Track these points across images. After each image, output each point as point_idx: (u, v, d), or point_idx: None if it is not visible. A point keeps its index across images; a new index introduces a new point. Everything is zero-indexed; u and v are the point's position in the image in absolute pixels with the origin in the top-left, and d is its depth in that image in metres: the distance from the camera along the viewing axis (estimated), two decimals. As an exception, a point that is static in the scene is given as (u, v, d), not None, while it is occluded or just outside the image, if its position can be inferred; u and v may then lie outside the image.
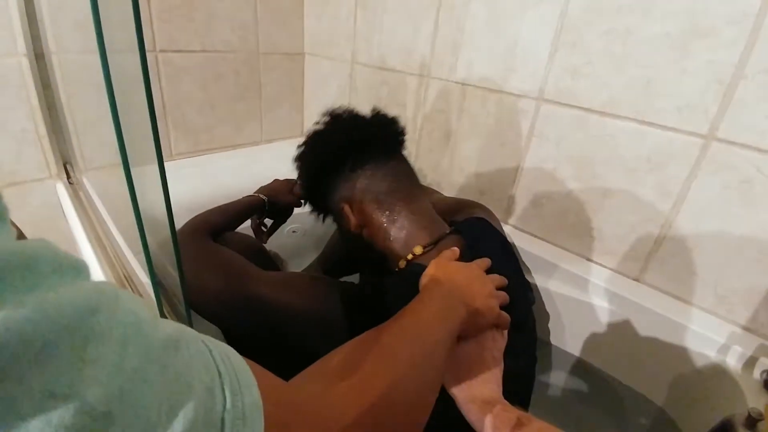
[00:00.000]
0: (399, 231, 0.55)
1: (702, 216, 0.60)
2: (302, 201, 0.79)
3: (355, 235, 0.58)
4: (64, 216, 0.78)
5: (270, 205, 0.75)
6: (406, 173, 0.59)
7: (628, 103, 0.64)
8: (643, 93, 0.62)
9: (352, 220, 0.57)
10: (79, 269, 0.16)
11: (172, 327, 0.18)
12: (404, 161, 0.61)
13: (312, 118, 1.24)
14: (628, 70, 0.62)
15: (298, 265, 0.87)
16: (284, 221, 0.79)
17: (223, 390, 0.18)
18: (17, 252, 0.13)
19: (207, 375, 0.18)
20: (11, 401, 0.11)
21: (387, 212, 0.56)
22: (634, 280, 0.69)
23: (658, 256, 0.66)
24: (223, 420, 0.17)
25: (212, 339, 0.21)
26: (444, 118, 0.89)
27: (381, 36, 0.96)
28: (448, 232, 0.56)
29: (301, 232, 0.99)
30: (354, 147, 0.57)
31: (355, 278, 0.80)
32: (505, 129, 0.79)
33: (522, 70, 0.74)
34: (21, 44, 0.75)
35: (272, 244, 0.81)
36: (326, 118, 0.62)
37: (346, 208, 0.57)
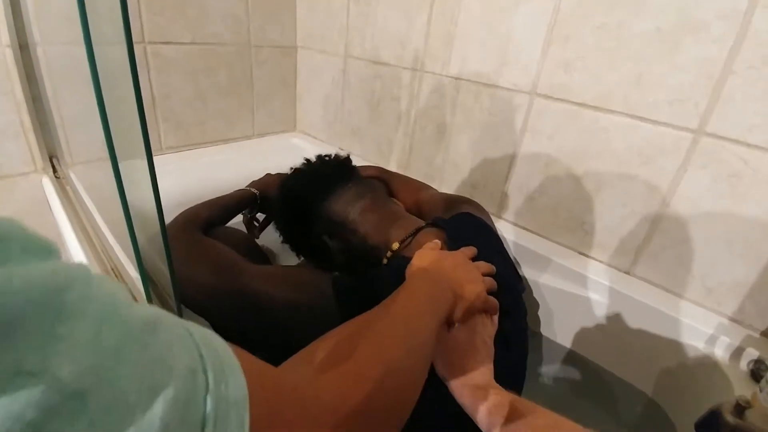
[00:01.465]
0: (376, 237, 0.59)
1: (691, 210, 0.61)
2: None
3: (341, 257, 0.62)
4: (51, 211, 0.76)
5: (262, 199, 0.74)
6: (366, 189, 0.65)
7: (620, 97, 0.64)
8: (634, 87, 0.62)
9: (334, 247, 0.62)
10: (50, 250, 0.15)
11: (150, 310, 0.18)
12: (362, 181, 0.67)
13: (305, 112, 1.23)
14: (620, 65, 0.63)
15: (289, 259, 0.86)
16: (275, 217, 0.79)
17: (205, 372, 0.17)
18: None
19: (188, 357, 0.17)
20: None
21: (360, 227, 0.60)
22: (625, 273, 0.70)
23: (649, 249, 0.66)
24: (205, 401, 0.17)
25: (193, 324, 0.20)
26: (437, 113, 0.89)
27: (374, 29, 0.95)
28: (423, 225, 0.58)
29: (294, 226, 0.98)
30: (313, 188, 0.64)
31: (348, 273, 0.80)
32: (498, 124, 0.80)
33: (515, 64, 0.75)
34: (4, 34, 0.73)
35: (264, 239, 0.80)
36: (285, 179, 0.70)
37: (326, 238, 0.62)
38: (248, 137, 1.15)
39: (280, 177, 0.78)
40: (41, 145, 0.82)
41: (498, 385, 0.39)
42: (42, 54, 0.78)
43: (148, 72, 0.91)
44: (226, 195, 0.70)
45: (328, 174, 0.66)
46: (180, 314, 0.45)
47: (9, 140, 0.79)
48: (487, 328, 0.45)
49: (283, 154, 1.16)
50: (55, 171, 0.84)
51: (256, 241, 0.76)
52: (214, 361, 0.18)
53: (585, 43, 0.65)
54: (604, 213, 0.70)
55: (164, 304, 0.50)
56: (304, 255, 0.72)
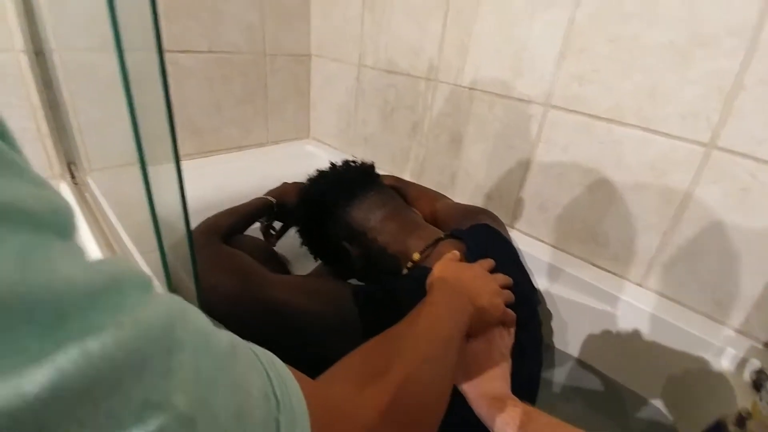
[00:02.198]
0: (395, 246, 0.60)
1: (703, 223, 0.62)
2: None
3: (359, 265, 0.63)
4: (70, 216, 0.77)
5: (278, 207, 0.75)
6: (387, 197, 0.65)
7: (633, 110, 0.65)
8: (647, 100, 0.63)
9: (354, 253, 0.62)
10: (148, 283, 0.17)
11: (226, 334, 0.19)
12: (382, 188, 0.67)
13: (318, 120, 1.25)
14: (633, 78, 0.64)
15: (305, 266, 0.87)
16: (293, 224, 0.80)
17: (275, 394, 0.19)
18: (106, 273, 0.14)
19: (260, 380, 0.19)
20: (114, 414, 0.12)
21: (380, 235, 0.61)
22: (637, 284, 0.70)
23: (661, 261, 0.67)
24: (278, 422, 0.18)
25: (254, 345, 0.22)
26: (451, 122, 0.90)
27: (388, 38, 0.97)
28: (442, 236, 0.59)
29: (307, 233, 0.99)
30: (335, 194, 0.64)
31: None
32: (512, 134, 0.80)
33: (529, 75, 0.76)
34: (18, 40, 0.73)
35: (280, 246, 0.81)
36: (307, 182, 0.70)
37: (345, 245, 0.63)
38: (262, 144, 1.16)
39: (297, 186, 0.79)
40: (59, 151, 0.83)
41: (515, 396, 0.39)
42: (58, 60, 0.79)
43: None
44: (245, 204, 0.71)
45: (351, 179, 0.66)
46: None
47: (25, 146, 0.78)
48: (505, 340, 0.46)
49: (296, 161, 1.17)
50: (72, 177, 0.85)
51: (274, 249, 0.77)
52: (279, 382, 0.20)
53: (599, 55, 0.66)
54: (618, 225, 0.70)
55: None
56: (323, 259, 0.72)
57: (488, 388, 0.40)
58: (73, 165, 0.86)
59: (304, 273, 0.84)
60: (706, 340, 0.61)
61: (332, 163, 0.71)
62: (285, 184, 0.79)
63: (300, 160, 1.17)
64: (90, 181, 0.83)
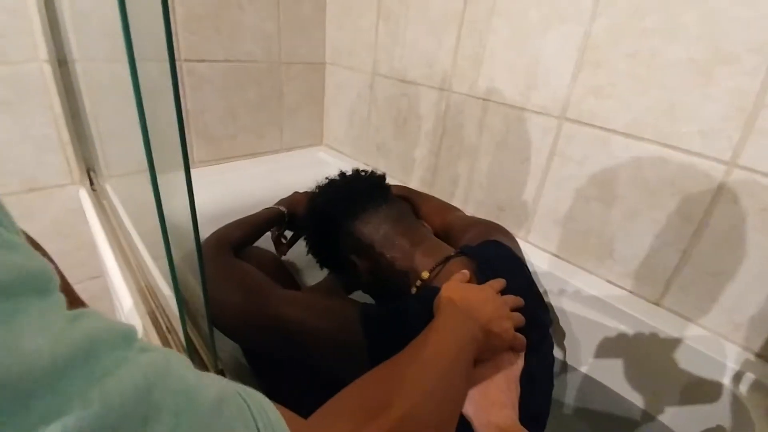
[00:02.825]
0: (404, 263, 0.59)
1: (723, 243, 0.60)
2: None
3: (367, 279, 0.63)
4: (87, 222, 0.79)
5: (290, 217, 0.76)
6: (398, 211, 0.64)
7: (651, 125, 0.63)
8: (666, 116, 0.61)
9: (361, 266, 0.61)
10: (129, 339, 0.16)
11: (214, 386, 0.19)
12: (394, 202, 0.66)
13: (331, 127, 1.25)
14: (652, 93, 0.62)
15: (315, 276, 0.87)
16: (304, 233, 0.80)
17: None
18: (78, 341, 0.14)
19: None
20: None
21: (390, 250, 0.60)
22: (654, 303, 0.68)
23: (679, 280, 0.65)
24: None
25: (246, 389, 0.21)
26: (464, 133, 0.89)
27: (402, 48, 0.96)
28: (453, 254, 0.57)
29: (318, 241, 0.99)
30: (344, 206, 0.63)
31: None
32: (526, 146, 0.79)
33: (544, 88, 0.74)
34: (42, 50, 0.76)
35: (290, 255, 0.81)
36: (316, 190, 0.70)
37: (355, 259, 0.62)
38: (276, 151, 1.17)
39: (308, 195, 0.79)
40: (78, 158, 0.86)
41: (522, 428, 0.38)
42: (80, 70, 0.81)
43: (183, 88, 0.94)
44: (256, 214, 0.72)
45: (361, 191, 0.65)
46: (212, 335, 0.46)
47: (47, 153, 0.82)
48: (514, 365, 0.44)
49: (309, 167, 1.18)
50: (91, 183, 0.87)
51: (284, 261, 0.77)
52: None
53: (616, 69, 0.65)
54: (635, 242, 0.68)
55: (196, 326, 0.51)
56: (330, 270, 0.72)
57: (495, 417, 0.39)
58: (92, 172, 0.88)
59: (314, 282, 0.84)
60: (723, 363, 0.59)
61: (342, 172, 0.70)
62: (296, 193, 0.79)
63: (312, 168, 1.18)
64: (108, 187, 0.85)
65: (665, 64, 0.60)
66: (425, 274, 0.55)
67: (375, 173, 0.71)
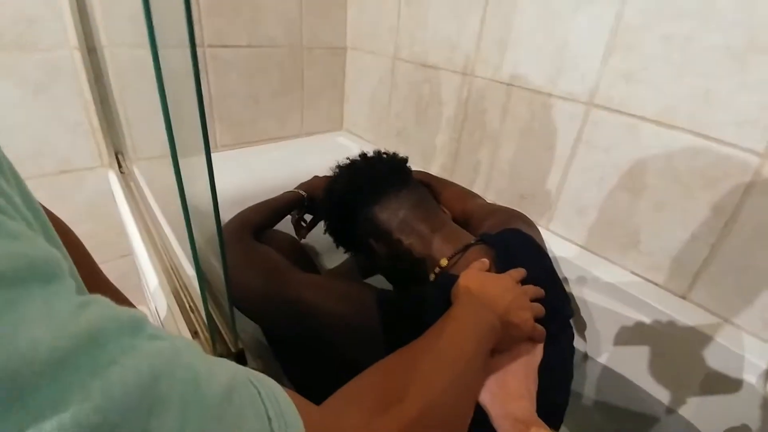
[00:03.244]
0: (423, 249, 0.58)
1: (754, 237, 0.57)
2: None
3: (384, 263, 0.62)
4: (116, 204, 0.82)
5: (309, 201, 0.76)
6: (419, 198, 0.63)
7: (684, 113, 0.60)
8: (700, 104, 0.58)
9: (379, 250, 0.61)
10: (137, 326, 0.16)
11: (224, 374, 0.18)
12: (415, 187, 0.64)
13: (351, 112, 1.25)
14: (686, 79, 0.59)
15: (334, 259, 0.88)
16: (323, 217, 0.81)
17: None
18: (82, 331, 0.13)
19: (258, 423, 0.18)
20: None
21: (408, 236, 0.59)
22: (680, 297, 0.66)
23: (707, 274, 0.63)
24: None
25: (258, 375, 0.21)
26: (486, 119, 0.88)
27: (425, 32, 0.94)
28: (472, 242, 0.56)
29: (337, 227, 1.00)
30: (363, 189, 0.62)
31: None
32: (550, 133, 0.77)
33: (572, 72, 0.72)
34: (73, 37, 0.78)
35: (309, 238, 0.82)
36: (336, 171, 0.68)
37: (372, 243, 0.61)
38: (297, 136, 1.18)
39: (327, 179, 0.80)
40: (107, 142, 0.88)
41: (540, 420, 0.38)
42: (108, 56, 0.83)
43: (207, 74, 0.95)
44: (276, 197, 0.73)
45: (382, 174, 0.63)
46: (232, 316, 0.48)
47: (79, 137, 0.85)
48: (532, 357, 0.44)
49: (329, 152, 1.18)
50: (120, 166, 0.89)
51: (303, 244, 0.78)
52: (280, 421, 0.19)
53: (649, 53, 0.62)
54: (662, 233, 0.66)
55: (218, 306, 0.53)
56: (347, 251, 0.72)
57: (512, 409, 0.38)
58: (121, 155, 0.91)
59: (333, 266, 0.85)
60: (750, 361, 0.57)
61: (363, 153, 0.69)
62: (316, 177, 0.80)
63: (332, 153, 1.18)
64: (135, 170, 0.88)
65: (701, 49, 0.57)
66: (444, 262, 0.55)
67: (397, 155, 0.69)
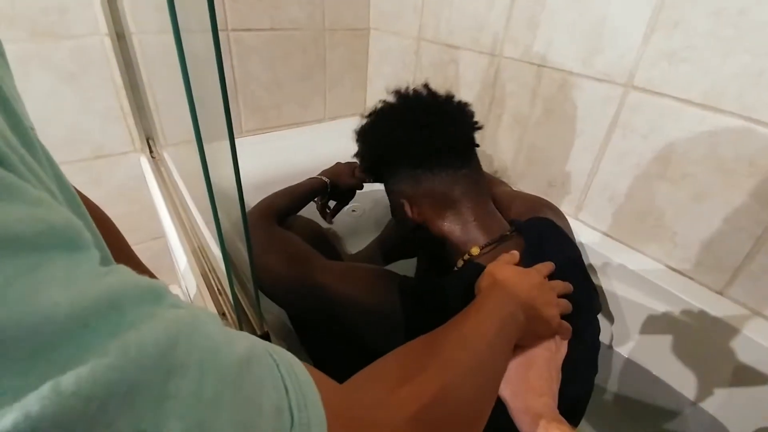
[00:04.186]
0: (457, 232, 0.55)
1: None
2: (363, 183, 0.80)
3: (410, 233, 0.59)
4: (148, 188, 0.85)
5: (332, 187, 0.76)
6: (476, 180, 0.57)
7: (732, 95, 0.56)
8: (752, 86, 0.54)
9: (410, 215, 0.56)
10: (157, 295, 0.16)
11: (242, 344, 0.18)
12: (477, 166, 0.58)
13: (375, 96, 1.23)
14: (737, 58, 0.54)
15: (356, 244, 0.89)
16: (347, 203, 0.81)
17: (290, 408, 0.18)
18: (102, 294, 0.14)
19: (275, 393, 0.18)
20: None
21: (448, 217, 0.55)
22: (717, 293, 0.63)
23: (749, 270, 0.59)
24: None
25: (276, 348, 0.21)
26: (515, 102, 0.84)
27: (450, 11, 0.91)
28: (508, 233, 0.54)
29: (361, 211, 1.01)
30: (430, 149, 0.54)
31: (412, 263, 0.80)
32: (584, 117, 0.73)
33: (609, 52, 0.67)
34: (102, 24, 0.79)
35: (332, 224, 0.83)
36: (400, 104, 0.58)
37: (406, 205, 0.57)
38: (320, 120, 1.18)
39: (350, 166, 0.80)
40: (138, 128, 0.91)
41: (560, 416, 0.37)
42: (137, 42, 0.84)
43: (231, 59, 0.95)
44: (299, 183, 0.73)
45: (456, 145, 0.55)
46: (257, 298, 0.49)
47: (111, 123, 0.88)
48: (557, 353, 0.43)
49: (351, 137, 1.17)
50: (151, 151, 0.92)
51: (325, 230, 0.79)
52: (298, 394, 0.19)
53: (697, 30, 0.57)
54: (701, 225, 0.63)
55: (244, 288, 0.54)
56: (373, 180, 0.66)
57: (533, 404, 0.38)
58: (151, 140, 0.93)
59: (355, 251, 0.86)
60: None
61: (444, 100, 0.58)
62: (338, 164, 0.80)
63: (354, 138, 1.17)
64: (165, 155, 0.90)
65: (755, 24, 0.52)
66: (475, 250, 0.53)
67: (476, 123, 0.59)
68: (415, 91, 0.60)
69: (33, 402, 0.11)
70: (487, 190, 0.59)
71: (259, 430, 0.16)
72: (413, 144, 0.55)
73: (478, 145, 0.61)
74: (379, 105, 0.61)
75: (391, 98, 0.61)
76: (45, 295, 0.12)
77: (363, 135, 0.62)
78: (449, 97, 0.59)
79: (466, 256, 0.53)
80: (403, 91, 0.60)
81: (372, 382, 0.30)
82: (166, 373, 0.14)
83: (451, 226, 0.55)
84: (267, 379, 0.18)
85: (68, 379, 0.11)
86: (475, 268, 0.48)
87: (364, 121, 0.62)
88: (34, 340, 0.11)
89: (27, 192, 0.14)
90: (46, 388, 0.11)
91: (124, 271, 0.16)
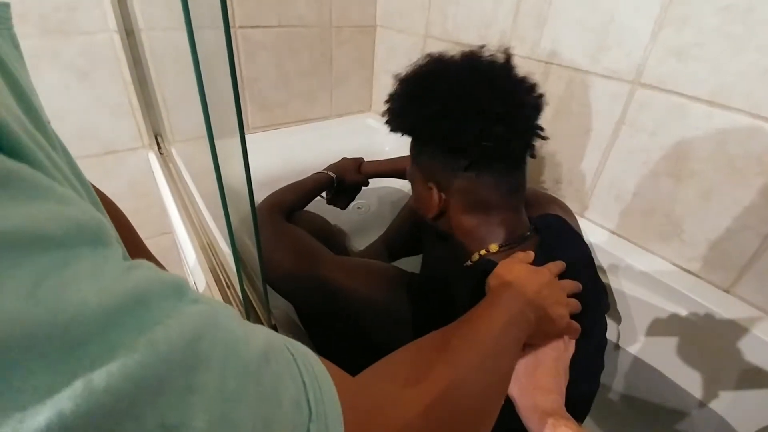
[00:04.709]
0: (481, 230, 0.51)
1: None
2: (369, 180, 0.80)
3: (429, 214, 0.54)
4: (156, 184, 0.85)
5: (338, 182, 0.77)
6: (518, 187, 0.51)
7: (741, 93, 0.56)
8: (761, 83, 0.54)
9: (433, 203, 0.51)
10: (180, 290, 0.16)
11: (261, 338, 0.18)
12: (524, 171, 0.52)
13: (381, 94, 1.23)
14: (746, 55, 0.54)
15: (362, 240, 0.89)
16: (352, 198, 0.81)
17: (308, 402, 0.18)
18: (129, 291, 0.14)
19: (294, 387, 0.18)
20: None
21: (476, 215, 0.51)
22: (724, 291, 0.63)
23: (757, 268, 0.59)
24: (308, 430, 0.18)
25: (293, 342, 0.21)
26: (521, 100, 0.84)
27: (457, 8, 0.91)
28: (528, 233, 0.52)
29: (367, 208, 1.01)
30: (493, 153, 0.47)
31: (418, 259, 0.81)
32: (590, 114, 0.73)
33: (617, 49, 0.67)
34: (112, 21, 0.80)
35: (338, 220, 0.83)
36: (482, 71, 0.47)
37: (434, 191, 0.51)
38: (326, 117, 1.18)
39: (355, 161, 0.80)
40: (147, 124, 0.91)
41: (568, 414, 0.37)
42: (146, 39, 0.85)
43: (239, 55, 0.96)
44: (305, 179, 0.74)
45: (515, 148, 0.48)
46: (266, 294, 0.49)
47: (120, 119, 0.89)
48: (565, 352, 0.43)
49: (357, 134, 1.18)
50: (159, 147, 0.93)
51: (332, 226, 0.79)
52: (314, 386, 0.19)
53: (706, 26, 0.57)
54: (708, 223, 0.62)
55: (252, 284, 0.55)
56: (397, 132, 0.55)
57: (541, 402, 0.38)
58: (159, 137, 0.94)
59: (360, 248, 0.86)
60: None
61: (511, 68, 0.48)
62: (344, 159, 0.80)
63: (360, 134, 1.18)
64: (173, 151, 0.91)
65: (763, 21, 0.52)
66: (494, 248, 0.50)
67: (541, 100, 0.49)
68: (494, 61, 0.48)
69: (66, 400, 0.11)
70: (524, 194, 0.53)
71: (279, 423, 0.16)
72: (477, 137, 0.45)
73: (534, 156, 0.53)
74: (456, 56, 0.50)
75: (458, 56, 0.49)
76: (74, 292, 0.12)
77: (420, 80, 0.51)
78: (532, 85, 0.49)
79: (483, 252, 0.51)
80: (485, 57, 0.48)
81: (383, 378, 0.30)
82: (191, 368, 0.14)
83: (475, 224, 0.51)
84: (285, 372, 0.18)
85: (100, 376, 0.11)
86: (487, 265, 0.47)
87: (428, 62, 0.51)
88: (65, 337, 0.11)
89: (55, 190, 0.14)
90: (78, 386, 0.11)
91: (148, 267, 0.16)
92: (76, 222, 0.14)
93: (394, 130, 0.53)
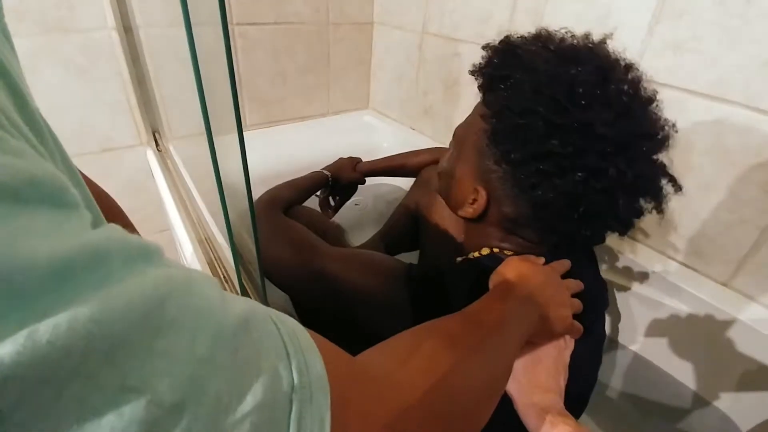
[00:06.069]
0: (501, 239, 0.50)
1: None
2: (365, 178, 0.80)
3: (455, 208, 0.52)
4: (155, 181, 0.86)
5: (334, 181, 0.77)
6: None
7: (739, 86, 0.55)
8: (758, 76, 0.53)
9: (476, 207, 0.48)
10: (149, 254, 0.15)
11: (242, 306, 0.18)
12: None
13: (378, 90, 1.23)
14: (743, 48, 0.54)
15: (359, 237, 0.89)
16: (349, 197, 0.82)
17: (291, 371, 0.18)
18: (87, 246, 0.13)
19: (275, 355, 0.18)
20: (81, 399, 0.11)
21: (506, 230, 0.48)
22: (722, 284, 0.63)
23: (754, 261, 0.59)
24: (291, 401, 0.17)
25: (280, 314, 0.20)
26: (518, 95, 0.84)
27: (455, 4, 0.91)
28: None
29: (364, 205, 1.01)
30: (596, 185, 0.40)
31: (414, 255, 0.81)
32: (586, 110, 0.73)
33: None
34: (110, 18, 0.80)
35: (336, 217, 0.83)
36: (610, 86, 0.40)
37: (480, 197, 0.47)
38: (323, 115, 1.18)
39: (351, 160, 0.80)
40: (145, 121, 0.91)
41: (567, 412, 0.37)
42: (144, 36, 0.85)
43: (236, 53, 0.96)
44: (302, 177, 0.74)
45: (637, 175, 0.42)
46: (264, 287, 0.49)
47: (118, 116, 0.89)
48: (565, 350, 0.43)
49: (354, 132, 1.18)
50: (157, 144, 0.93)
51: (329, 220, 0.79)
52: (299, 357, 0.18)
53: (702, 20, 0.57)
54: (706, 217, 0.62)
55: (249, 277, 0.55)
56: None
57: (539, 399, 0.38)
58: (158, 133, 0.94)
59: (357, 244, 0.86)
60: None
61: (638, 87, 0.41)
62: (341, 159, 0.80)
63: (358, 132, 1.18)
64: (171, 148, 0.91)
65: (762, 13, 0.51)
66: (509, 252, 0.49)
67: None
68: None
69: (7, 348, 0.10)
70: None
71: (256, 394, 0.16)
72: (581, 190, 0.40)
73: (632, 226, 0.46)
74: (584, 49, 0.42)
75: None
76: (23, 243, 0.11)
77: (529, 64, 0.45)
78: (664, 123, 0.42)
79: (495, 249, 0.49)
80: (618, 71, 0.40)
81: (382, 355, 0.29)
82: (156, 329, 0.13)
83: (499, 237, 0.50)
84: (266, 341, 0.18)
85: (45, 328, 0.11)
86: (492, 259, 0.47)
87: (541, 49, 0.45)
88: (9, 287, 0.11)
89: (6, 142, 0.13)
90: (21, 335, 0.11)
91: (114, 228, 0.15)
92: (30, 175, 0.13)
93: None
